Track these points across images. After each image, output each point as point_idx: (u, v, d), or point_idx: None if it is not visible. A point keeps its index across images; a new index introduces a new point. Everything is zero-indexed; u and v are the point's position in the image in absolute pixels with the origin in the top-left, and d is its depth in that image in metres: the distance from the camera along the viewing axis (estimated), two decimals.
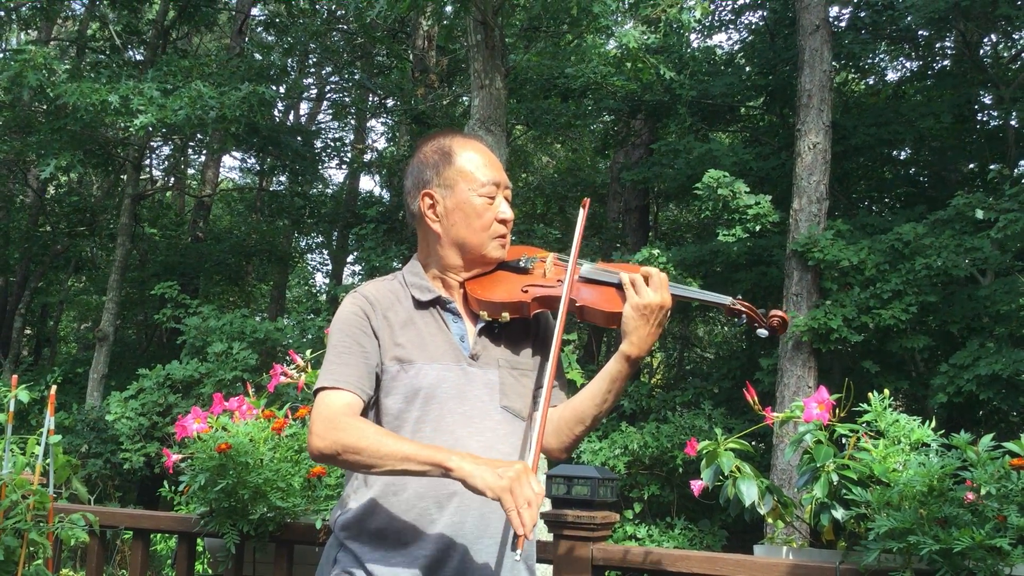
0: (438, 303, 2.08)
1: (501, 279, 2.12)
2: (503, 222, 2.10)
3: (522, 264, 2.15)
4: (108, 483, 11.96)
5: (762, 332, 2.09)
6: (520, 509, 1.70)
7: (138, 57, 14.71)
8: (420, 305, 2.07)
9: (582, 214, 2.19)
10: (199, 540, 3.41)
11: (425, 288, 2.09)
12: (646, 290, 1.99)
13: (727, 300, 2.07)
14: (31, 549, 3.19)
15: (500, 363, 2.06)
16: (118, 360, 14.69)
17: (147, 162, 17.45)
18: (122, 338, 17.04)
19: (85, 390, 12.78)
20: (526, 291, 2.06)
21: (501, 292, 2.07)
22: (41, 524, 3.23)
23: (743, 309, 2.07)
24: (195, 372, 10.60)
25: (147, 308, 16.13)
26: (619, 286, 2.04)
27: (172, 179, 18.93)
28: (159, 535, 8.61)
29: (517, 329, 2.12)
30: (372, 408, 2.01)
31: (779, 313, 2.08)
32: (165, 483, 3.48)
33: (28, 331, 18.68)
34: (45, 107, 12.60)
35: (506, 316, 2.05)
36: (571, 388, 2.17)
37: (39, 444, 3.38)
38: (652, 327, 1.98)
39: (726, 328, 20.51)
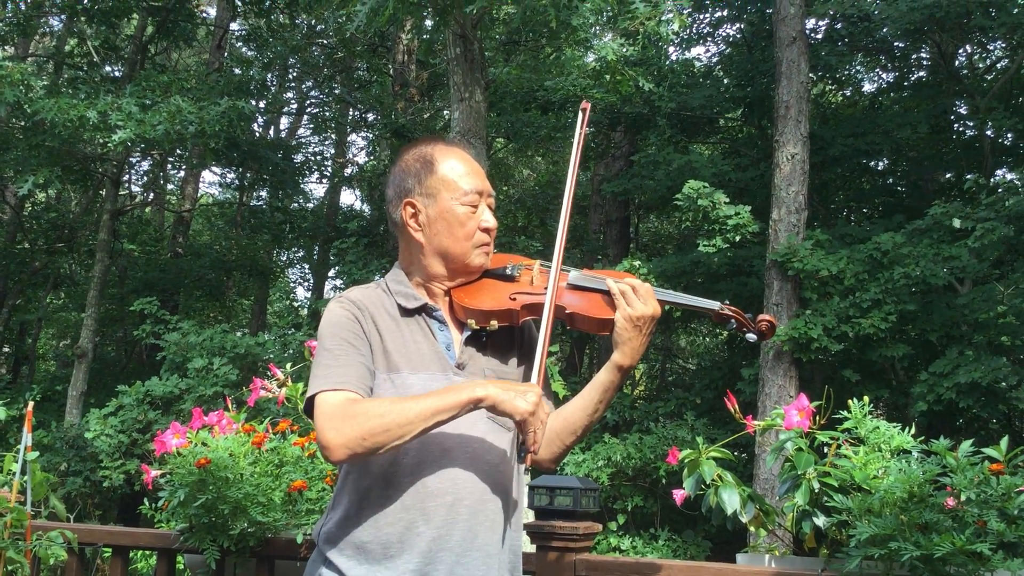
0: (424, 311, 2.06)
1: (488, 287, 2.10)
2: (486, 231, 2.08)
3: (508, 272, 2.14)
4: (88, 501, 11.85)
5: (751, 337, 2.10)
6: (537, 429, 1.85)
7: (116, 73, 14.66)
8: (406, 313, 2.04)
9: (581, 118, 2.18)
10: (179, 556, 3.38)
11: (411, 296, 2.06)
12: (637, 302, 2.00)
13: (715, 305, 2.09)
14: (9, 568, 3.16)
15: (486, 373, 2.04)
16: (97, 377, 14.57)
17: (126, 178, 17.36)
18: (101, 355, 16.91)
19: (64, 408, 12.67)
20: (514, 299, 2.05)
21: (489, 300, 2.06)
22: (19, 542, 3.19)
23: (731, 314, 2.09)
24: (175, 388, 10.54)
25: (127, 324, 16.04)
26: (607, 293, 2.05)
27: (151, 195, 18.84)
28: (139, 552, 8.54)
29: (502, 339, 2.10)
30: None
31: (767, 318, 2.09)
32: (145, 500, 3.45)
33: (6, 349, 18.51)
34: (23, 123, 12.52)
35: (494, 324, 2.04)
36: (555, 400, 2.20)
37: (16, 461, 3.35)
38: (644, 336, 2.00)
39: (708, 339, 20.57)
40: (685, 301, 2.13)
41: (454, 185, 2.06)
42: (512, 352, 2.12)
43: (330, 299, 14.62)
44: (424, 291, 2.10)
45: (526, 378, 2.10)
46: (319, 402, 1.90)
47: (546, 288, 2.05)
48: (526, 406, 1.82)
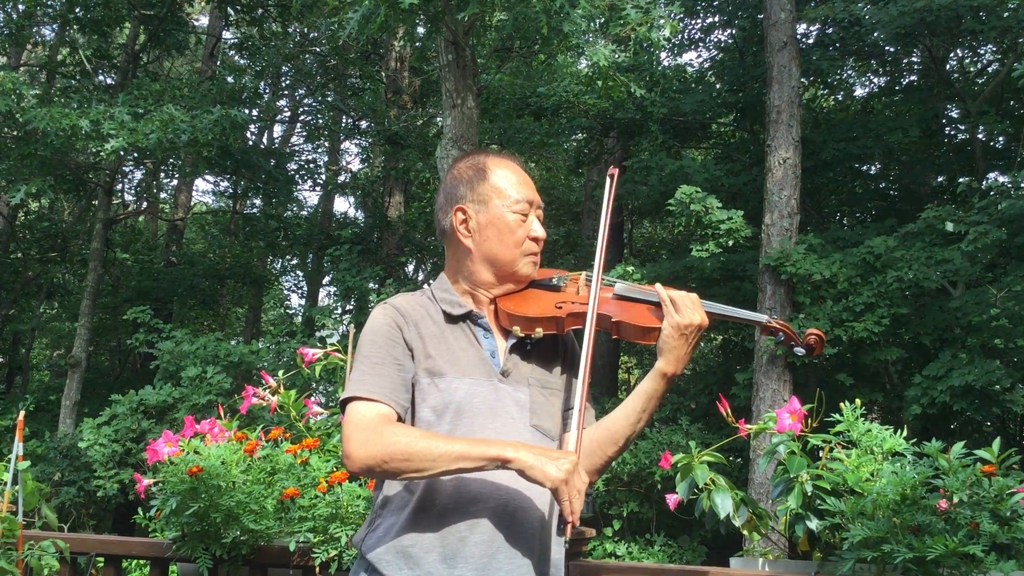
0: (469, 318, 2.07)
1: (533, 296, 2.11)
2: (535, 240, 2.10)
3: (554, 282, 2.15)
4: (82, 511, 11.80)
5: (799, 351, 2.10)
6: (572, 499, 1.77)
7: (109, 81, 14.64)
8: (451, 319, 2.06)
9: (610, 184, 2.21)
10: (172, 566, 3.36)
11: (456, 303, 2.07)
12: (686, 310, 2.00)
13: (763, 318, 2.10)
14: None
15: (530, 381, 2.05)
16: (91, 387, 14.53)
17: (119, 187, 17.33)
18: (95, 364, 16.87)
19: (58, 418, 12.63)
20: (560, 307, 2.05)
21: (535, 308, 2.06)
22: (11, 552, 3.18)
23: (779, 327, 2.09)
24: (169, 397, 10.49)
25: (120, 334, 15.99)
26: (655, 304, 2.05)
27: (144, 203, 18.80)
28: (134, 562, 8.50)
29: (547, 348, 2.11)
30: (405, 420, 1.97)
31: (816, 332, 2.09)
32: (139, 509, 3.43)
33: None
34: (15, 133, 12.50)
35: (539, 332, 2.04)
36: (599, 408, 2.18)
37: (7, 471, 3.34)
38: (689, 346, 2.00)
39: (702, 344, 20.57)
40: (732, 313, 2.13)
41: (505, 193, 2.09)
42: (556, 361, 2.13)
43: (324, 308, 14.52)
44: (470, 299, 2.11)
45: (568, 387, 2.12)
46: (352, 410, 1.91)
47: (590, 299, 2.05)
48: (557, 473, 1.77)
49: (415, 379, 1.98)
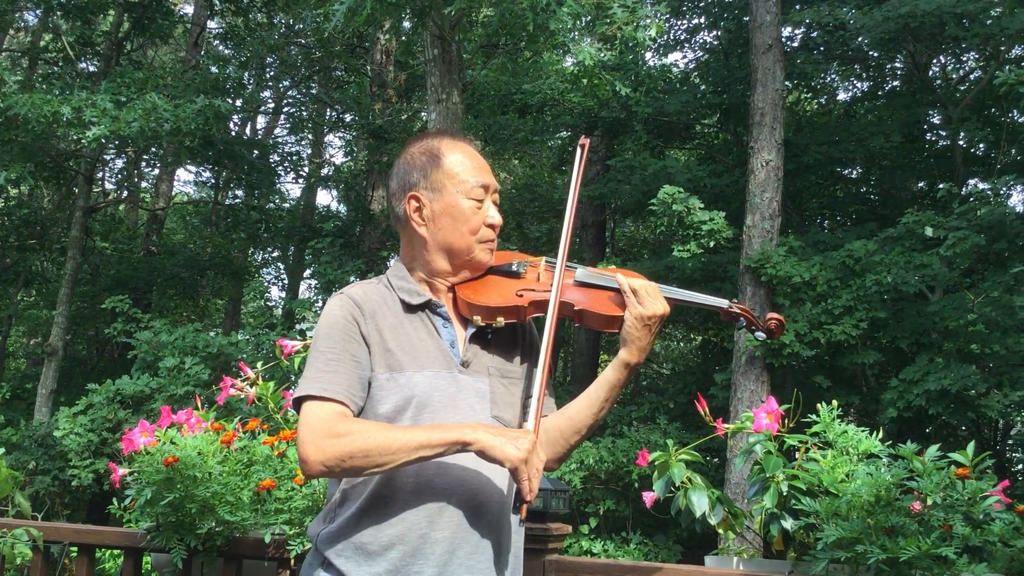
0: (428, 307, 2.02)
1: (493, 284, 2.07)
2: (491, 227, 2.05)
3: (514, 268, 2.11)
4: (56, 500, 11.74)
5: (759, 335, 2.10)
6: (532, 478, 1.78)
7: (91, 69, 14.54)
8: (409, 309, 2.00)
9: (580, 154, 2.15)
10: (146, 556, 3.35)
11: (414, 291, 2.02)
12: (648, 300, 1.99)
13: (724, 303, 2.08)
14: None
15: (490, 371, 2.01)
16: (68, 375, 14.43)
17: (99, 175, 17.21)
18: (72, 353, 16.75)
19: (33, 406, 12.54)
20: (521, 295, 2.02)
21: (496, 297, 2.02)
22: None
23: (740, 312, 2.09)
24: (146, 387, 10.44)
25: (98, 323, 15.90)
26: (615, 290, 2.04)
27: (125, 192, 18.67)
28: (108, 552, 8.47)
29: (506, 336, 2.07)
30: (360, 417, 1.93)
31: (776, 316, 2.09)
32: (114, 500, 3.41)
33: None
34: None
35: (501, 321, 2.00)
36: (556, 396, 2.14)
37: None
38: (652, 336, 1.99)
39: (682, 344, 20.65)
40: (693, 299, 2.11)
41: (460, 179, 2.03)
42: (516, 350, 2.09)
43: (305, 300, 14.49)
44: (427, 287, 2.06)
45: (529, 376, 2.08)
46: (306, 410, 1.86)
47: (552, 285, 2.02)
48: (517, 453, 1.76)
49: (373, 376, 1.93)
